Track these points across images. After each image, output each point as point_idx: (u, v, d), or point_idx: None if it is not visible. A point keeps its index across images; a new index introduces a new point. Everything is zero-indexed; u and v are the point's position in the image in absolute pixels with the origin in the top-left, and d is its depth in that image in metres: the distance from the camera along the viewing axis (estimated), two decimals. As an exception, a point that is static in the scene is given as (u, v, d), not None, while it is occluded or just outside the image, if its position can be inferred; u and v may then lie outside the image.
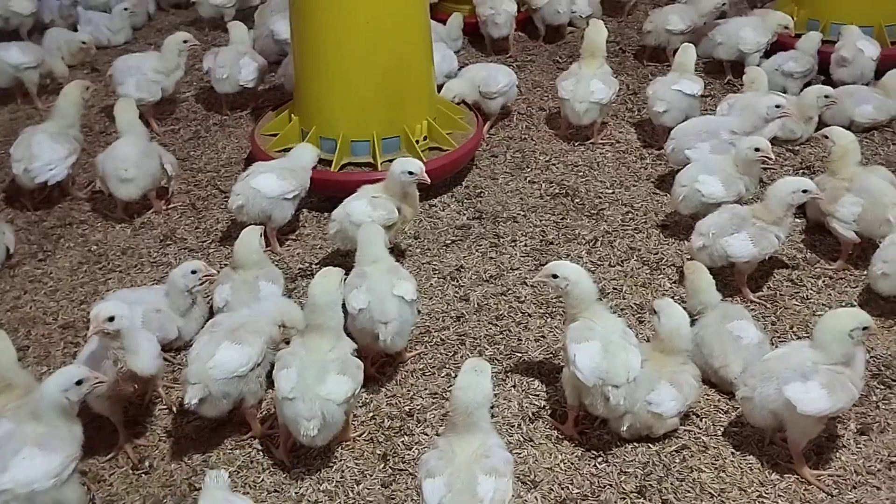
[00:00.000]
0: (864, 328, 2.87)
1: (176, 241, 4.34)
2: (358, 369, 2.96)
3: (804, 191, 3.65)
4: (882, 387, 3.31)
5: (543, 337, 3.64)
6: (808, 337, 3.53)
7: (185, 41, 5.29)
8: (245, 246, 3.57)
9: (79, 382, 2.74)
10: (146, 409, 3.33)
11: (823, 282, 3.91)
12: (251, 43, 5.69)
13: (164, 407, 3.34)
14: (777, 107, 4.41)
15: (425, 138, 4.66)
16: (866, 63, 5.28)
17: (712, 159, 4.18)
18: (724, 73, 5.79)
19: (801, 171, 4.77)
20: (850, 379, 2.83)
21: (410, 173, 3.83)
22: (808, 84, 5.36)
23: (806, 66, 5.39)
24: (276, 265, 3.97)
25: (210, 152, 5.16)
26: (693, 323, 3.26)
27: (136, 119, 4.47)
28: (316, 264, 4.12)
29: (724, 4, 6.04)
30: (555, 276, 3.07)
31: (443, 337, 3.65)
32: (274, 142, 4.67)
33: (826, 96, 4.81)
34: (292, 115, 4.74)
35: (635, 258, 4.12)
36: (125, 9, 6.75)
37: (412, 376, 3.45)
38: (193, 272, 3.44)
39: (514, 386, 3.39)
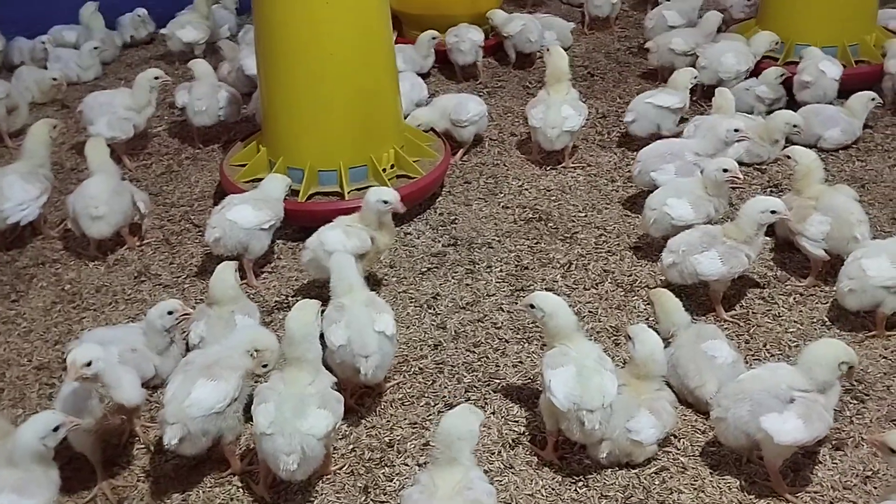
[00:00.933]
0: (851, 366, 2.95)
1: (150, 278, 4.32)
2: (338, 403, 2.96)
3: (773, 211, 3.71)
4: (855, 401, 3.35)
5: (521, 362, 3.65)
6: (780, 354, 3.62)
7: (156, 77, 5.29)
8: (221, 282, 3.56)
9: (56, 428, 2.72)
10: (124, 448, 3.30)
11: (794, 299, 3.97)
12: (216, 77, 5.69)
13: (143, 446, 3.31)
14: (736, 130, 4.49)
15: (392, 166, 4.69)
16: (829, 84, 5.39)
17: (681, 182, 4.24)
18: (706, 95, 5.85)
19: (769, 189, 4.85)
20: (825, 407, 2.87)
21: (385, 202, 3.87)
22: (779, 106, 5.44)
23: (776, 94, 5.47)
24: (252, 298, 3.97)
25: (183, 186, 5.15)
26: (667, 345, 3.30)
27: (107, 157, 4.46)
28: (292, 296, 4.12)
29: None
30: (532, 307, 3.11)
31: (421, 366, 3.66)
32: (242, 172, 4.68)
33: (794, 125, 4.89)
34: (260, 146, 4.76)
35: (609, 281, 4.15)
36: (95, 47, 6.75)
37: (391, 406, 3.45)
38: (170, 312, 3.42)
39: (493, 413, 3.39)
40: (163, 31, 6.81)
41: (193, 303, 4.03)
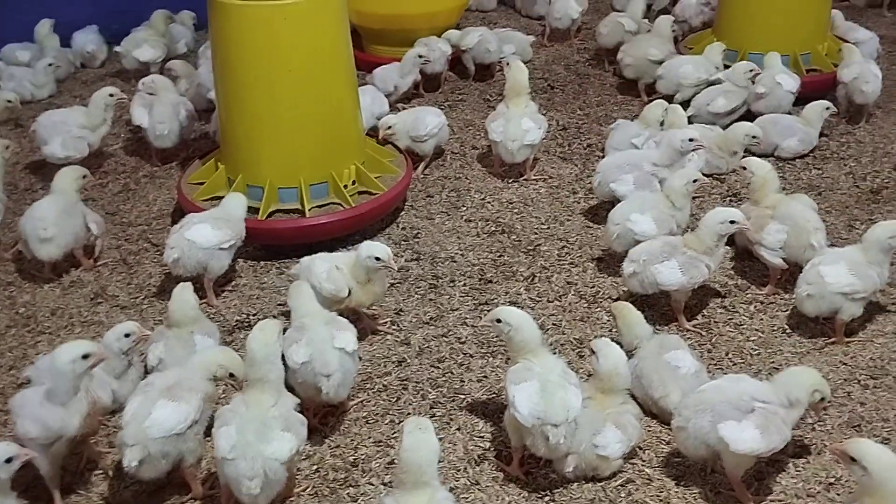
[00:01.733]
0: (823, 398, 3.01)
1: (107, 299, 4.23)
2: (302, 425, 2.92)
3: (732, 221, 3.74)
4: (816, 408, 3.39)
5: (486, 377, 3.64)
6: (742, 363, 3.64)
7: (111, 95, 5.21)
8: (181, 304, 3.50)
9: (8, 460, 2.67)
10: (81, 475, 3.22)
11: (755, 307, 4.00)
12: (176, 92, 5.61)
13: (101, 472, 3.24)
14: (690, 140, 4.52)
15: (354, 183, 4.66)
16: (784, 96, 5.47)
17: (645, 196, 4.25)
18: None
19: (727, 198, 4.91)
20: (785, 420, 2.90)
21: (377, 259, 3.65)
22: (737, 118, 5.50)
23: (736, 101, 5.50)
24: (212, 318, 3.92)
25: (141, 205, 5.07)
26: (630, 357, 3.31)
27: (71, 187, 4.37)
28: (254, 315, 4.06)
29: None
30: (498, 321, 3.10)
31: (385, 383, 3.62)
32: (200, 191, 4.62)
33: (753, 136, 4.96)
34: (219, 164, 4.70)
35: (573, 292, 4.16)
36: (49, 64, 6.64)
37: (355, 425, 3.41)
38: (127, 335, 3.35)
39: (458, 429, 3.37)
40: (118, 48, 6.70)
41: (152, 324, 3.97)
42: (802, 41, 5.81)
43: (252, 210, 4.40)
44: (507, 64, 5.23)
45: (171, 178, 5.36)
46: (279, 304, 4.12)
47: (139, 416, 2.91)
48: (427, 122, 5.22)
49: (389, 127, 5.16)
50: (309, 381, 3.18)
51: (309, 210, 4.46)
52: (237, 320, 4.04)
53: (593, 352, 3.14)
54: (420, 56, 6.08)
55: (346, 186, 4.57)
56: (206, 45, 6.56)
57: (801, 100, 5.50)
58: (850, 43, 5.98)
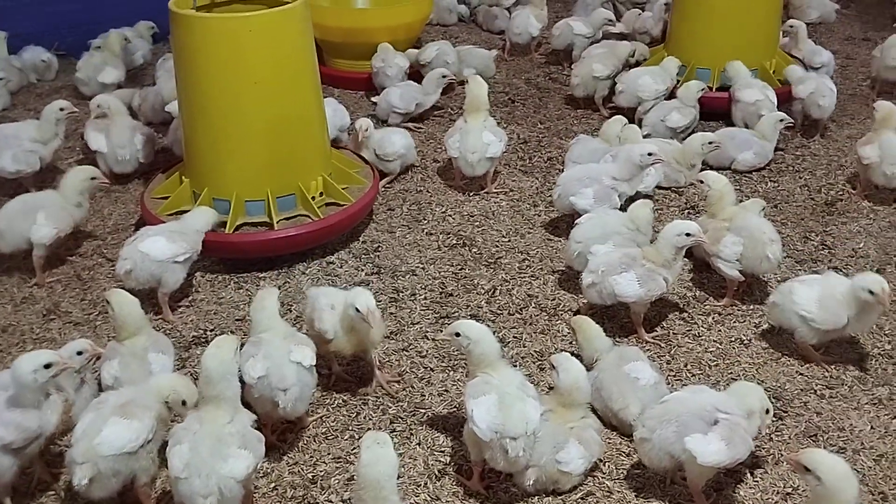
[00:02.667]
0: (767, 410, 3.04)
1: (60, 316, 4.14)
2: (259, 442, 2.88)
3: (688, 234, 3.77)
4: (774, 419, 3.39)
5: (447, 391, 3.62)
6: (701, 374, 3.67)
7: (61, 109, 5.10)
8: (127, 312, 3.41)
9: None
10: (32, 495, 3.13)
11: (713, 318, 4.04)
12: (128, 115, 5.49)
13: (52, 493, 3.15)
14: (650, 154, 4.56)
15: (321, 194, 4.63)
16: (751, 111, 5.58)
17: (608, 218, 4.21)
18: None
19: (685, 210, 4.96)
20: (747, 430, 2.92)
21: (356, 310, 3.32)
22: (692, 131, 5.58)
23: (689, 117, 5.58)
24: (168, 333, 3.85)
25: (95, 219, 4.97)
26: (590, 370, 3.31)
27: (75, 188, 4.44)
28: (210, 331, 4.00)
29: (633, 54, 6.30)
30: (457, 335, 3.08)
31: (345, 398, 3.58)
32: (165, 205, 4.55)
33: (710, 142, 5.02)
34: (183, 177, 4.64)
35: (533, 305, 4.16)
36: (0, 77, 6.51)
37: (314, 441, 3.37)
38: (80, 353, 3.27)
39: (418, 444, 3.34)
40: (77, 75, 6.58)
41: (106, 340, 3.88)
42: (750, 58, 5.92)
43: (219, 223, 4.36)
44: (466, 81, 5.26)
45: (128, 192, 5.28)
46: (237, 320, 4.07)
47: (90, 433, 2.86)
48: (394, 141, 5.21)
49: (367, 129, 5.15)
50: (266, 395, 3.13)
51: (277, 222, 4.42)
52: (193, 336, 3.98)
53: (553, 366, 3.13)
54: (444, 76, 6.04)
55: (314, 198, 4.54)
56: (165, 57, 6.51)
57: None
58: (815, 67, 6.18)
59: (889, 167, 4.76)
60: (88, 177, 4.48)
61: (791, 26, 6.48)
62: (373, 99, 6.22)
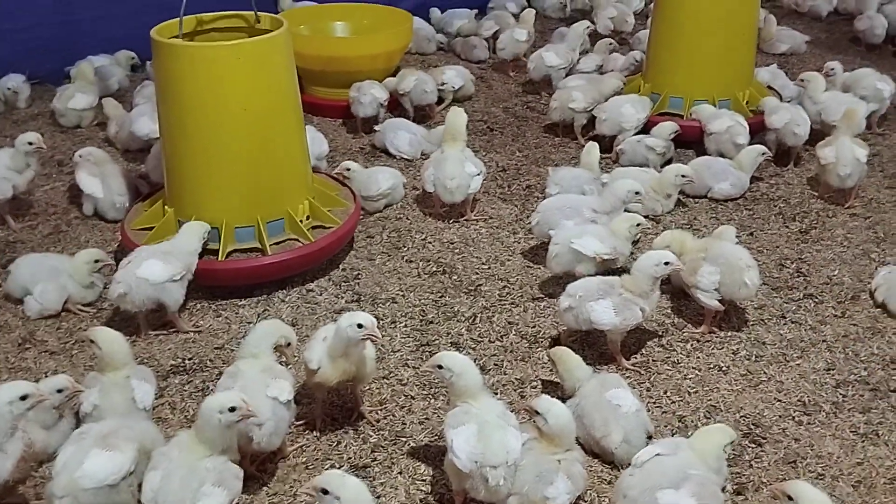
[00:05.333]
0: (731, 441, 3.03)
1: (35, 345, 4.09)
2: (236, 479, 2.87)
3: (666, 263, 3.80)
4: (753, 445, 3.44)
5: (428, 419, 3.61)
6: (680, 400, 3.69)
7: (30, 143, 5.05)
8: (116, 349, 3.38)
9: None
10: (6, 531, 3.08)
11: (692, 345, 4.07)
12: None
13: (26, 527, 3.10)
14: (637, 193, 4.70)
15: (308, 218, 4.65)
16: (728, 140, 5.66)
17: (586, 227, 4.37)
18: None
19: (664, 239, 5.00)
20: (718, 484, 2.92)
21: (359, 326, 3.21)
22: (669, 160, 5.67)
23: (665, 146, 5.70)
24: (146, 362, 3.83)
25: (72, 247, 4.92)
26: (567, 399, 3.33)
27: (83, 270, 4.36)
28: (189, 359, 3.97)
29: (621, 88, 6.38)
30: (440, 367, 3.07)
31: (325, 427, 3.56)
32: (150, 236, 4.47)
33: (683, 175, 5.09)
34: (166, 207, 4.60)
35: (514, 332, 4.17)
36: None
37: (294, 471, 3.34)
38: (60, 390, 3.22)
39: (400, 472, 3.33)
40: (54, 105, 6.54)
41: (83, 370, 3.85)
42: (723, 88, 6.03)
43: (209, 251, 4.35)
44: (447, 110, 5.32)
45: (105, 219, 5.24)
46: (216, 348, 4.04)
47: (71, 465, 2.82)
48: (379, 180, 5.23)
49: (349, 169, 5.18)
50: (241, 429, 3.10)
51: (269, 247, 4.42)
52: (172, 364, 3.94)
53: (538, 413, 3.05)
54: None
55: (301, 221, 4.55)
56: (143, 84, 6.51)
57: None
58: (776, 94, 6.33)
59: (842, 168, 5.10)
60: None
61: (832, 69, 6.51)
62: (376, 127, 6.21)
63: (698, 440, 3.02)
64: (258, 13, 4.66)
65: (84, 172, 5.19)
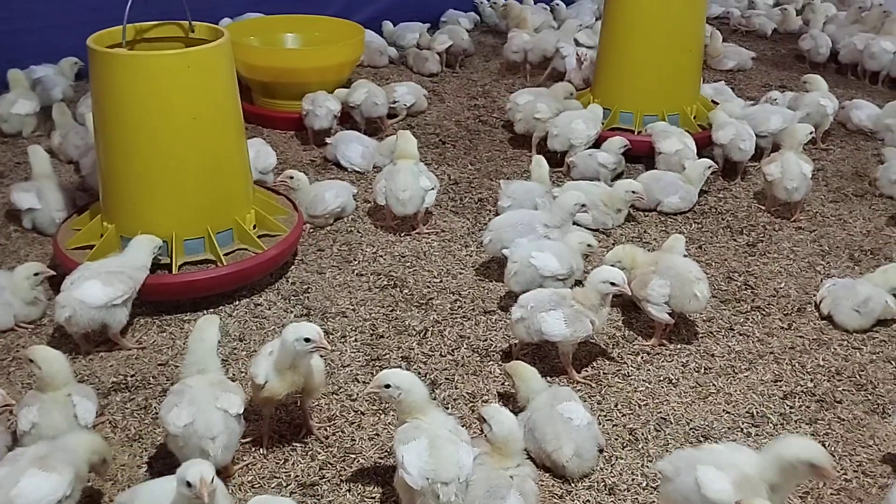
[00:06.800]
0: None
1: (-30, 362, 3.95)
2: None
3: (612, 283, 3.79)
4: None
5: (378, 435, 3.55)
6: (630, 413, 3.69)
7: None
8: (56, 369, 3.26)
9: None
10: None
11: (642, 358, 4.08)
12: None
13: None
14: (583, 205, 4.75)
15: (255, 227, 4.58)
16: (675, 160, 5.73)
17: (542, 243, 4.36)
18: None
19: (614, 251, 5.02)
20: None
21: (307, 340, 3.16)
22: (620, 174, 5.73)
23: (616, 161, 5.75)
24: (87, 380, 3.71)
25: (11, 261, 4.76)
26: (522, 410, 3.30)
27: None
28: (132, 376, 3.86)
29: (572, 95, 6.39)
30: (387, 386, 3.02)
31: (271, 444, 3.48)
32: (91, 254, 4.30)
33: (633, 192, 5.13)
34: (105, 223, 4.44)
35: (465, 346, 4.14)
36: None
37: (240, 490, 3.25)
38: None
39: (349, 490, 3.26)
40: None
41: (20, 387, 3.72)
42: (671, 103, 6.11)
43: (159, 266, 4.25)
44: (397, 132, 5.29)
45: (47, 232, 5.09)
46: (160, 364, 3.94)
47: (5, 485, 2.73)
48: (326, 199, 5.16)
49: (291, 177, 5.13)
50: (193, 444, 3.02)
51: (224, 256, 4.35)
52: (113, 381, 3.82)
53: (484, 419, 3.04)
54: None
55: (248, 231, 4.50)
56: (88, 94, 6.35)
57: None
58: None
59: (789, 182, 5.26)
60: (32, 273, 4.21)
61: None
62: (327, 140, 6.13)
63: None
64: (192, 22, 4.59)
65: (16, 188, 5.06)
